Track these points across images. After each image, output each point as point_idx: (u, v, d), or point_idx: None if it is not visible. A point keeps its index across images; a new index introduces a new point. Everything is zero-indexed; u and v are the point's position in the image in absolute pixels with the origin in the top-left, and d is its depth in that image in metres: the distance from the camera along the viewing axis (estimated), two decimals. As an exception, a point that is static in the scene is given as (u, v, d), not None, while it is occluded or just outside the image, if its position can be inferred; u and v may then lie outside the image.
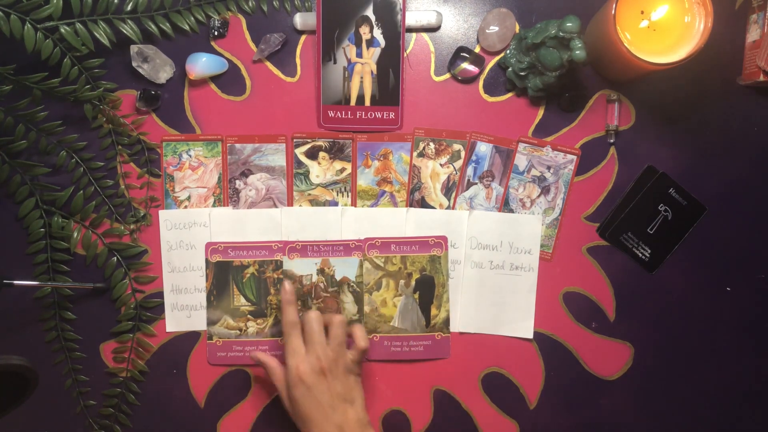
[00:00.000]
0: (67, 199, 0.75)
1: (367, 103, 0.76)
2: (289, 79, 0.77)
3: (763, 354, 0.78)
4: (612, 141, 0.76)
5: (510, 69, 0.75)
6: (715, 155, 0.77)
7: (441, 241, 0.77)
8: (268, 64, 0.77)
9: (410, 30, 0.77)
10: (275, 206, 0.77)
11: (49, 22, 0.69)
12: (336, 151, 0.77)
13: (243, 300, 0.77)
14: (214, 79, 0.76)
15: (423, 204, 0.78)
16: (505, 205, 0.77)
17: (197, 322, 0.77)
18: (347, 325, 0.70)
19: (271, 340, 0.77)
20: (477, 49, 0.76)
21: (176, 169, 0.77)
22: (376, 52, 0.75)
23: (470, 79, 0.76)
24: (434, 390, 0.78)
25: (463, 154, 0.77)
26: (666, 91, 0.76)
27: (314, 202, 0.78)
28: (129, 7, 0.72)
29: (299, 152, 0.77)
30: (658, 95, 0.76)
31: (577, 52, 0.66)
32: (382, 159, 0.77)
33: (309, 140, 0.77)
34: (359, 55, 0.75)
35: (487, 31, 0.75)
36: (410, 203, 0.78)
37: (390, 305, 0.77)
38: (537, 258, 0.77)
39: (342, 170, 0.77)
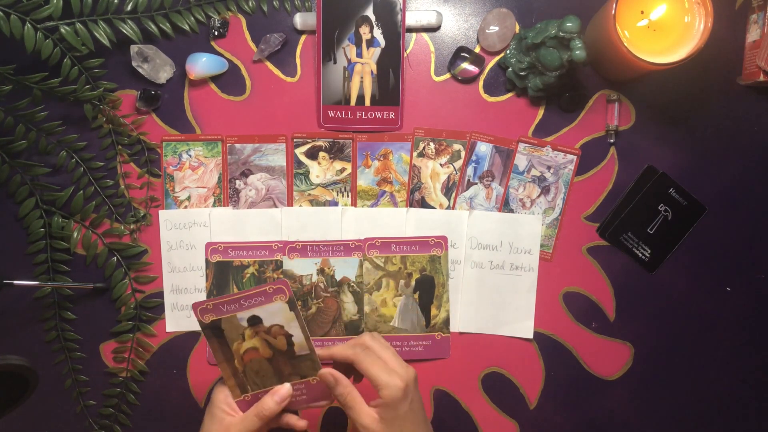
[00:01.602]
0: (67, 199, 0.75)
1: (367, 103, 0.76)
2: (289, 79, 0.77)
3: (763, 354, 0.78)
4: (612, 141, 0.76)
5: (510, 69, 0.75)
6: (715, 155, 0.77)
7: (441, 241, 0.77)
8: (268, 64, 0.77)
9: (410, 30, 0.77)
10: (275, 206, 0.77)
11: (49, 22, 0.69)
12: (336, 151, 0.77)
13: (243, 300, 0.77)
14: (214, 79, 0.76)
15: (423, 204, 0.78)
16: (505, 205, 0.77)
17: (197, 322, 0.77)
18: None
19: (271, 340, 0.77)
20: (477, 49, 0.76)
21: (176, 169, 0.77)
22: (376, 52, 0.75)
23: (470, 79, 0.76)
24: (434, 390, 0.78)
25: (463, 154, 0.77)
26: (666, 91, 0.76)
27: (314, 202, 0.78)
28: (129, 7, 0.72)
29: (299, 152, 0.77)
30: (658, 95, 0.76)
31: (577, 52, 0.66)
32: (382, 159, 0.77)
33: (309, 140, 0.77)
34: (359, 55, 0.75)
35: (487, 31, 0.75)
36: (410, 203, 0.78)
37: (390, 305, 0.77)
38: (537, 258, 0.77)
39: (342, 170, 0.77)
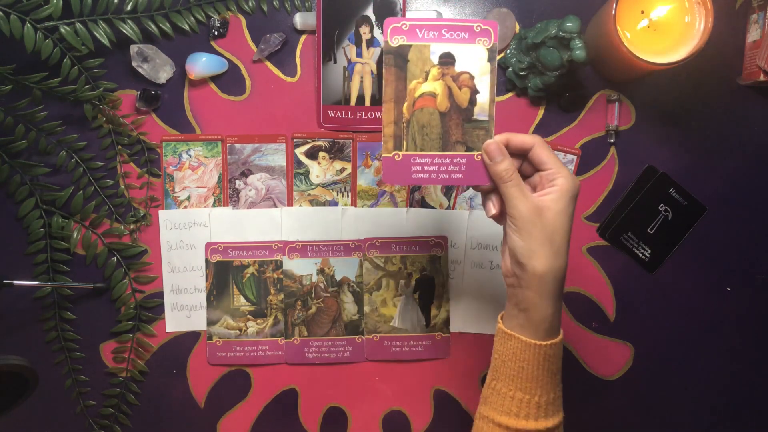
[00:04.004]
0: (67, 199, 0.75)
1: (367, 103, 0.76)
2: (289, 79, 0.77)
3: (763, 354, 0.78)
4: (612, 141, 0.76)
5: (510, 69, 0.75)
6: (715, 155, 0.77)
7: (441, 241, 0.77)
8: (268, 64, 0.77)
9: (410, 30, 0.76)
10: (275, 206, 0.77)
11: (49, 22, 0.69)
12: (336, 151, 0.77)
13: (243, 300, 0.77)
14: (214, 79, 0.76)
15: (423, 204, 0.78)
16: (505, 205, 0.77)
17: (197, 322, 0.77)
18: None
19: (271, 340, 0.77)
20: (477, 49, 0.76)
21: (176, 169, 0.77)
22: (376, 51, 0.75)
23: (470, 79, 0.76)
24: (434, 390, 0.78)
25: (463, 153, 0.77)
26: (666, 91, 0.76)
27: (314, 202, 0.78)
28: (129, 7, 0.72)
29: (299, 152, 0.77)
30: (658, 95, 0.76)
31: (577, 52, 0.66)
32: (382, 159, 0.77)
33: (309, 140, 0.77)
34: (359, 54, 0.75)
35: (487, 31, 0.75)
36: (410, 203, 0.78)
37: (390, 305, 0.77)
38: (537, 258, 0.77)
39: (342, 170, 0.77)
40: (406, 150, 0.56)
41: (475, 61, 0.55)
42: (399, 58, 0.55)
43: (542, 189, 0.54)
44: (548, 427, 0.54)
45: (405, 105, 0.56)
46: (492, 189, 0.57)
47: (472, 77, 0.55)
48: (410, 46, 0.55)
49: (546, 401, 0.55)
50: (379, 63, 0.75)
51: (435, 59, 0.55)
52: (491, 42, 0.55)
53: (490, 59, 0.55)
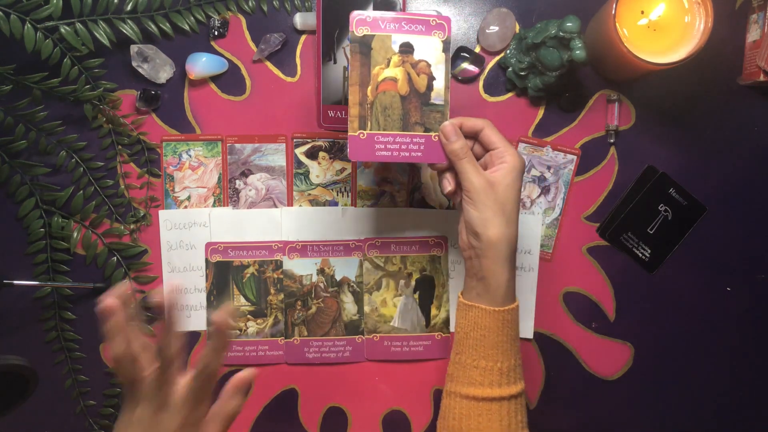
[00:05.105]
0: (67, 199, 0.75)
1: (367, 103, 0.76)
2: (289, 79, 0.77)
3: (764, 354, 0.78)
4: (612, 141, 0.76)
5: (510, 69, 0.75)
6: (715, 155, 0.77)
7: (441, 241, 0.77)
8: (268, 64, 0.77)
9: (410, 30, 0.76)
10: (275, 206, 0.77)
11: (49, 22, 0.69)
12: (336, 151, 0.77)
13: (243, 300, 0.77)
14: (214, 79, 0.76)
15: (423, 204, 0.78)
16: (505, 205, 0.77)
17: (197, 322, 0.77)
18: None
19: (271, 340, 0.77)
20: (477, 49, 0.76)
21: (176, 169, 0.77)
22: (376, 52, 0.75)
23: (470, 79, 0.76)
24: (434, 390, 0.78)
25: (463, 154, 0.77)
26: (666, 91, 0.76)
27: (314, 202, 0.78)
28: (129, 7, 0.72)
29: (299, 152, 0.77)
30: (658, 95, 0.76)
31: (577, 52, 0.66)
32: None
33: (309, 140, 0.77)
34: (359, 55, 0.75)
35: (487, 31, 0.75)
36: (410, 203, 0.78)
37: (390, 305, 0.77)
38: (537, 258, 0.77)
39: (342, 170, 0.77)
40: (370, 129, 0.61)
41: (431, 51, 0.61)
42: (363, 46, 0.61)
43: (492, 166, 0.60)
44: (511, 394, 0.59)
45: (369, 88, 0.61)
46: (447, 168, 0.62)
47: (429, 65, 0.61)
48: (374, 36, 0.61)
49: (508, 367, 0.59)
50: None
51: (396, 48, 0.61)
52: (445, 35, 0.61)
53: (445, 50, 0.61)
